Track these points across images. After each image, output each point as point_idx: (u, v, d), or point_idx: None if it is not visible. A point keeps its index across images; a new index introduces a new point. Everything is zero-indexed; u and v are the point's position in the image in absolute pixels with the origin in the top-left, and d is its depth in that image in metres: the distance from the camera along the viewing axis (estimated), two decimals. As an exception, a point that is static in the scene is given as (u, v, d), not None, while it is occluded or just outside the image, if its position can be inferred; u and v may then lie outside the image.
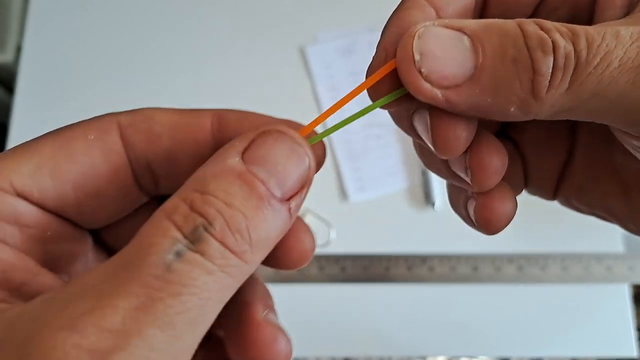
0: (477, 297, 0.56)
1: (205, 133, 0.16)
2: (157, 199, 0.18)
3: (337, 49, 0.63)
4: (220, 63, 0.64)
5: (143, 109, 0.17)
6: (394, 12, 0.17)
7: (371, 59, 0.17)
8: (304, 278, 0.55)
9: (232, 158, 0.14)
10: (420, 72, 0.15)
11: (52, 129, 0.16)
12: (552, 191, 0.21)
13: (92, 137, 0.16)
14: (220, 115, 0.17)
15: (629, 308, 0.56)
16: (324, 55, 0.63)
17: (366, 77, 0.17)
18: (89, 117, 0.17)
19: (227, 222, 0.13)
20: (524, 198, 0.60)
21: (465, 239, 0.57)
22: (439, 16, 0.16)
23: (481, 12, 0.18)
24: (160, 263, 0.12)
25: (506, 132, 0.20)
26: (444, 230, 0.58)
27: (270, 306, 0.17)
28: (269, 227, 0.14)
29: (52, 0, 0.66)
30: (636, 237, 0.66)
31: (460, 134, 0.16)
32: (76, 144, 0.15)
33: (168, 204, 0.13)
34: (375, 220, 0.58)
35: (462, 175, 0.18)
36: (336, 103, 0.17)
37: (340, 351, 0.57)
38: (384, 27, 0.17)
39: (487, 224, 0.18)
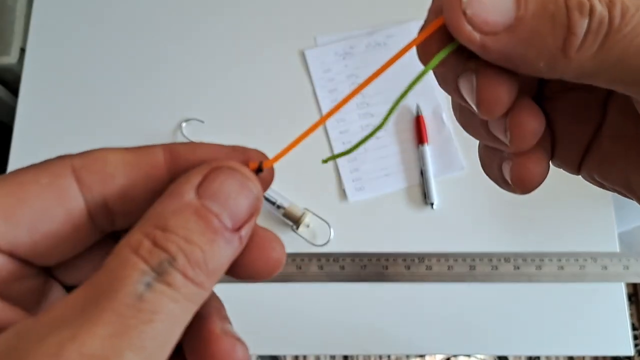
0: (474, 295, 0.57)
1: (159, 168, 0.17)
2: (110, 236, 0.19)
3: (337, 51, 0.64)
4: (222, 66, 0.64)
5: (95, 150, 0.17)
6: None
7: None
8: (304, 277, 0.56)
9: (188, 193, 0.15)
10: (464, 13, 0.16)
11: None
12: (577, 165, 0.21)
13: (45, 181, 0.16)
14: (171, 149, 0.18)
15: (625, 307, 0.57)
16: (324, 58, 0.64)
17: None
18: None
19: (187, 257, 0.14)
20: (523, 198, 0.60)
21: (463, 238, 0.58)
22: None
23: None
24: (132, 293, 0.13)
25: (539, 104, 0.21)
26: (441, 229, 0.59)
27: (225, 317, 0.18)
28: (222, 256, 0.15)
29: (55, 4, 0.67)
30: (631, 237, 0.66)
31: (503, 96, 0.17)
32: (29, 188, 0.16)
33: (132, 239, 0.15)
34: (374, 220, 0.59)
35: (501, 136, 0.19)
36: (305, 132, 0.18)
37: (339, 349, 0.58)
38: None
39: (523, 183, 0.20)
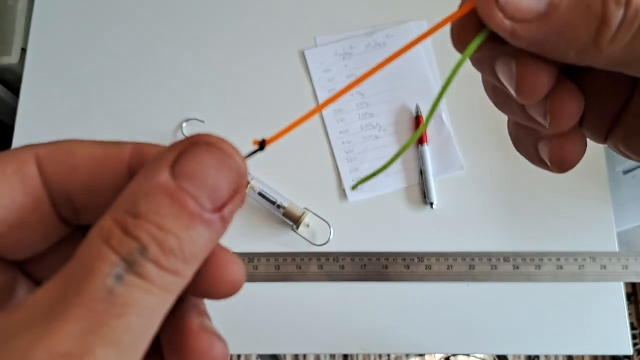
0: (474, 295, 0.57)
1: (125, 166, 0.16)
2: (81, 229, 0.18)
3: (336, 52, 0.64)
4: (223, 66, 0.65)
5: (63, 141, 0.16)
6: None
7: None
8: (304, 276, 0.56)
9: (162, 174, 0.14)
10: (496, 0, 0.15)
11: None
12: (604, 135, 0.21)
13: (10, 170, 0.16)
14: (139, 148, 0.17)
15: (624, 306, 0.57)
16: (324, 58, 0.64)
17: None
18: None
19: (161, 245, 0.13)
20: (522, 198, 0.60)
21: (462, 238, 0.58)
22: None
23: None
24: (103, 287, 0.13)
25: (568, 75, 0.21)
26: (441, 229, 0.59)
27: (203, 311, 0.17)
28: (201, 241, 0.14)
29: (56, 4, 0.67)
30: (630, 236, 0.66)
31: (544, 82, 0.17)
32: None
33: (103, 226, 0.14)
34: (373, 219, 0.59)
35: (540, 119, 0.19)
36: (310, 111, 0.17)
37: (339, 348, 0.58)
38: None
39: (562, 164, 0.19)
